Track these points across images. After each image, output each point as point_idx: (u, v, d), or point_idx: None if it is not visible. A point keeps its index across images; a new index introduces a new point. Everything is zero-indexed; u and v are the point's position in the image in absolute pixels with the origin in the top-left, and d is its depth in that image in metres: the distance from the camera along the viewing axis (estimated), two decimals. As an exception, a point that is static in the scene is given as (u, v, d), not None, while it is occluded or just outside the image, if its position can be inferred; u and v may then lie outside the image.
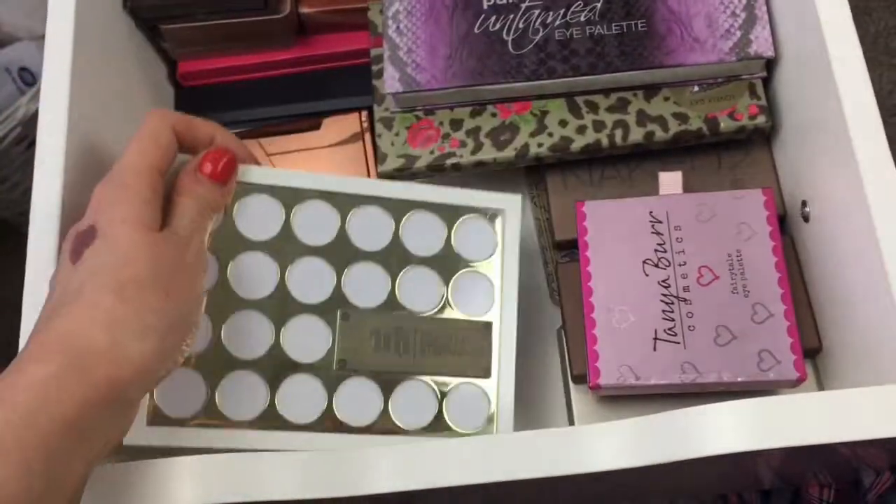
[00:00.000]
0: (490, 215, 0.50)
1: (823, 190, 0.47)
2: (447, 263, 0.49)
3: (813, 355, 0.50)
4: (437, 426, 0.47)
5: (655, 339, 0.47)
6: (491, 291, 0.49)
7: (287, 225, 0.47)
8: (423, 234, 0.49)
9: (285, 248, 0.47)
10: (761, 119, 0.52)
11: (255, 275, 0.47)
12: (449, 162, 0.53)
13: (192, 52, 0.62)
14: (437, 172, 0.53)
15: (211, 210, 0.43)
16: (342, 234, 0.48)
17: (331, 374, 0.46)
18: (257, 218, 0.47)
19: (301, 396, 0.46)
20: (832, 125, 0.44)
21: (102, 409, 0.34)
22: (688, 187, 0.53)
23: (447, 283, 0.48)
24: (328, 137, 0.61)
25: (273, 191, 0.47)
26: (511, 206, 0.49)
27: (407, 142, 0.54)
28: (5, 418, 0.32)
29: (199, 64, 0.63)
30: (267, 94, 0.63)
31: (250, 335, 0.46)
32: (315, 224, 0.48)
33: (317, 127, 0.61)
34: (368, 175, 0.58)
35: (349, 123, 0.61)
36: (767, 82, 0.53)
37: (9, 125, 0.74)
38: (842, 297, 0.45)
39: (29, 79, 0.80)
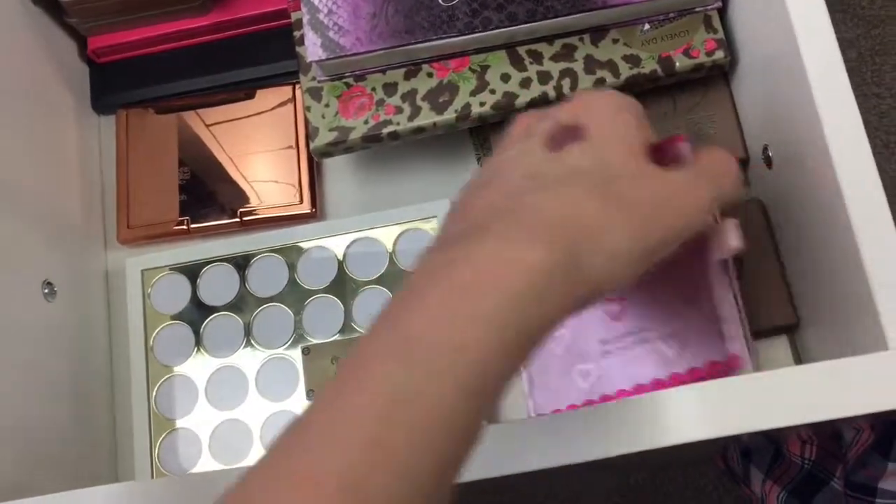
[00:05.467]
0: (430, 223, 0.51)
1: (785, 132, 0.43)
2: (395, 279, 0.52)
3: (791, 331, 0.48)
4: None
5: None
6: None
7: (243, 285, 0.54)
8: (366, 259, 0.53)
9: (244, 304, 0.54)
10: (719, 54, 0.48)
11: (223, 333, 0.53)
12: (385, 131, 0.49)
13: (102, 26, 0.57)
14: (374, 143, 0.49)
15: (735, 184, 0.35)
16: (293, 280, 0.53)
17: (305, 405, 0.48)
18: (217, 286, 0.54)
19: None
20: (788, 60, 0.40)
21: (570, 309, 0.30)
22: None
23: None
24: (261, 106, 0.57)
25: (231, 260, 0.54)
26: (444, 209, 0.47)
27: (339, 113, 0.49)
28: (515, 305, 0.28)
29: (111, 38, 0.58)
30: (190, 64, 0.58)
31: (230, 385, 0.52)
32: (267, 278, 0.54)
33: (252, 96, 0.57)
34: (297, 139, 0.55)
35: (283, 92, 0.57)
36: (723, 13, 0.49)
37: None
38: (808, 249, 0.42)
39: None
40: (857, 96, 0.37)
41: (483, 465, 0.34)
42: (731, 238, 0.38)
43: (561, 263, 0.29)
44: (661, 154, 0.38)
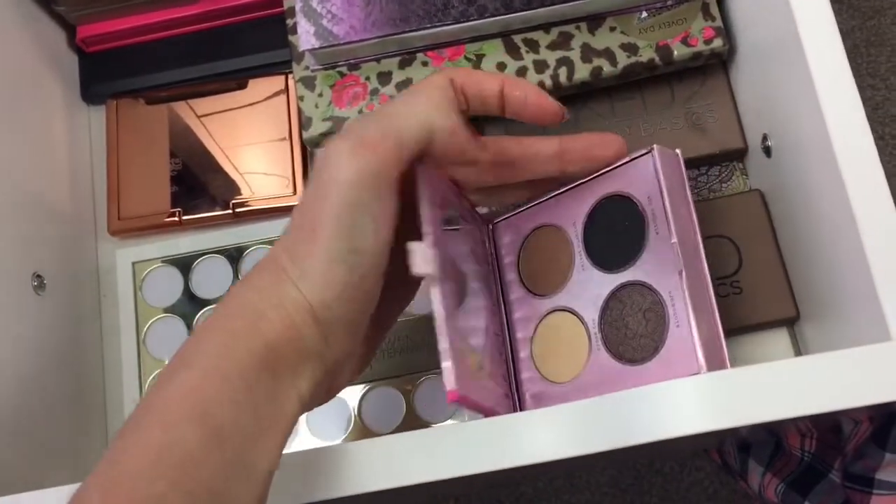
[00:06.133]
0: None
1: (784, 121, 0.43)
2: None
3: (791, 324, 0.47)
4: (411, 422, 0.48)
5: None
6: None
7: (237, 277, 0.52)
8: None
9: None
10: (718, 42, 0.47)
11: None
12: (380, 120, 0.48)
13: (91, 15, 0.56)
14: (369, 133, 0.49)
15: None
16: None
17: None
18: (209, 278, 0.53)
19: None
20: (788, 47, 0.39)
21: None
22: (638, 125, 0.48)
23: None
24: (254, 96, 0.56)
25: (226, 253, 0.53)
26: None
27: (332, 102, 0.49)
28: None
29: (100, 27, 0.57)
30: (181, 53, 0.58)
31: None
32: None
33: (244, 86, 0.56)
34: (290, 130, 0.55)
35: (275, 82, 0.56)
36: (721, 0, 0.48)
37: None
38: (808, 240, 0.42)
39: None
40: (854, 86, 0.36)
41: (487, 458, 0.33)
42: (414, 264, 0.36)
43: (265, 299, 0.32)
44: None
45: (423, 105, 0.35)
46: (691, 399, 0.33)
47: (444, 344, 0.34)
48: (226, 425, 0.29)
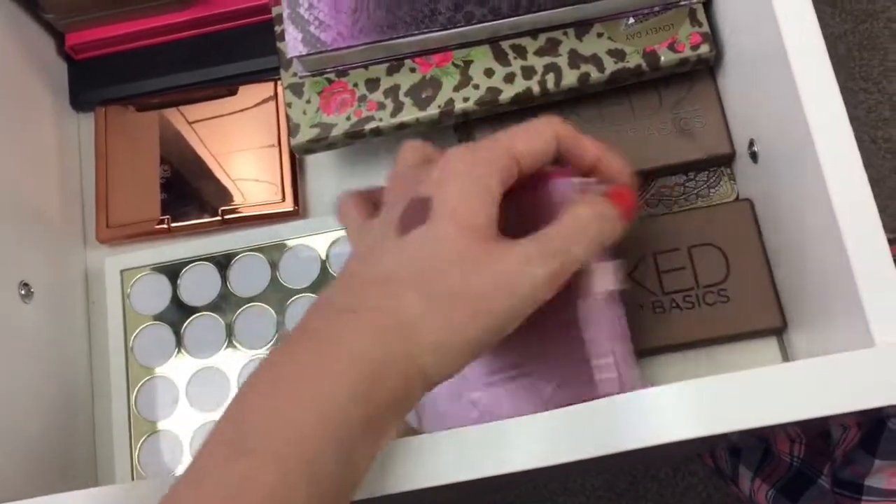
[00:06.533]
0: None
1: (769, 126, 0.43)
2: None
3: (779, 334, 0.47)
4: None
5: None
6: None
7: (225, 284, 0.53)
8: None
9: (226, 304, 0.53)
10: (705, 48, 0.47)
11: (205, 334, 0.52)
12: (368, 127, 0.48)
13: (80, 22, 0.56)
14: (356, 139, 0.49)
15: (606, 236, 0.36)
16: (275, 279, 0.52)
17: None
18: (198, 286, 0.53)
19: None
20: (773, 54, 0.39)
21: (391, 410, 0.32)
22: (626, 130, 0.49)
23: None
24: (243, 102, 0.56)
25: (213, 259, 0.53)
26: None
27: (320, 109, 0.49)
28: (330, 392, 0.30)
29: (90, 34, 0.57)
30: (170, 60, 0.57)
31: (212, 386, 0.52)
32: (249, 277, 0.53)
33: (234, 93, 0.56)
34: (279, 137, 0.55)
35: (265, 89, 0.56)
36: (708, 6, 0.48)
37: None
38: (794, 245, 0.42)
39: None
40: (844, 91, 0.36)
41: (475, 464, 0.33)
42: (597, 283, 0.37)
43: (389, 357, 0.31)
44: (535, 194, 0.38)
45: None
46: (678, 405, 0.33)
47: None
48: (327, 480, 0.30)
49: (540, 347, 0.40)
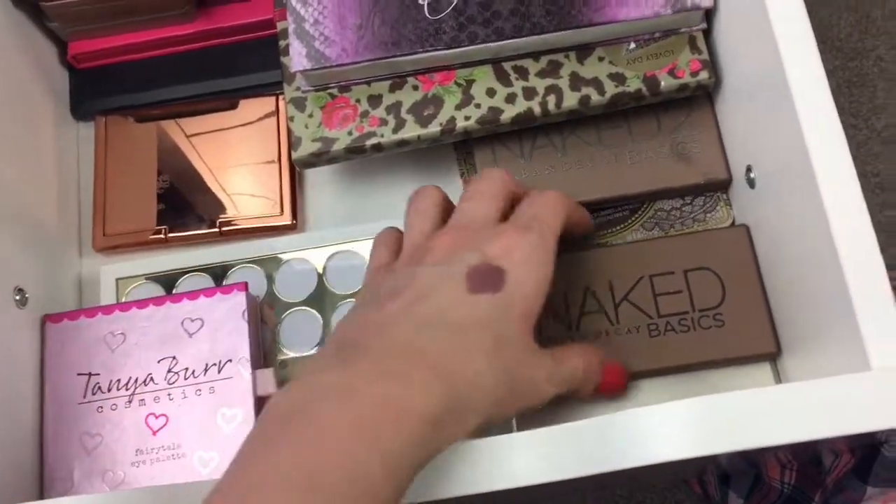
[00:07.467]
0: None
1: (767, 153, 0.43)
2: None
3: (773, 360, 0.47)
4: None
5: None
6: None
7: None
8: (346, 273, 0.53)
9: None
10: (704, 75, 0.48)
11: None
12: (369, 143, 0.48)
13: (83, 31, 0.56)
14: (357, 155, 0.49)
15: (575, 386, 0.41)
16: (271, 292, 0.52)
17: None
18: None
19: None
20: (773, 82, 0.40)
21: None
22: (624, 153, 0.49)
23: None
24: (244, 117, 0.57)
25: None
26: None
27: (322, 123, 0.49)
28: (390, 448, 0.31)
29: (92, 43, 0.57)
30: (171, 72, 0.58)
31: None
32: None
33: (234, 107, 0.56)
34: (279, 152, 0.55)
35: (266, 104, 0.56)
36: (708, 34, 0.49)
37: None
38: (790, 271, 0.42)
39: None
40: (835, 126, 0.37)
41: (466, 480, 0.33)
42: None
43: (449, 410, 0.33)
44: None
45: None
46: (670, 425, 0.33)
47: None
48: None
49: (200, 430, 0.47)
